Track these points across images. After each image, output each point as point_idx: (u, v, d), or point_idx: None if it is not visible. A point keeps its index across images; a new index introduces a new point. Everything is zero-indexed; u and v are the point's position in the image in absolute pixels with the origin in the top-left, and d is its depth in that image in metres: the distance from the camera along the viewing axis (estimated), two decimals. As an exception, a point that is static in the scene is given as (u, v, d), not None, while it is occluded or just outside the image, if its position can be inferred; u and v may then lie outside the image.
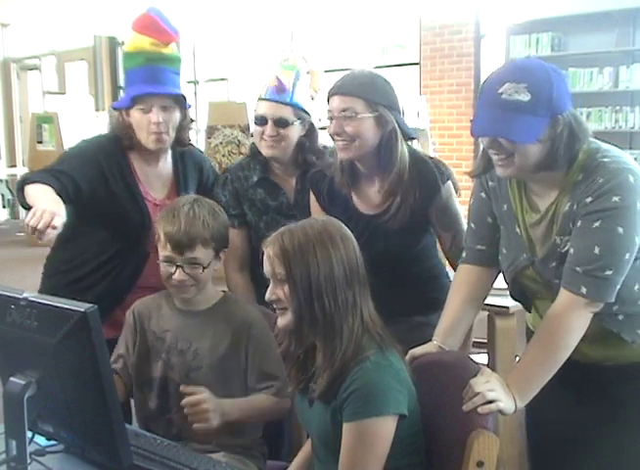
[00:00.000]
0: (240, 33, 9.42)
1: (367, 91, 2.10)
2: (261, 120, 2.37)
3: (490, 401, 1.57)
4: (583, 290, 1.65)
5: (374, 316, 1.64)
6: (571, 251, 1.70)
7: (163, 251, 1.98)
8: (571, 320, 1.68)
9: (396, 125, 2.13)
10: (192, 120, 2.48)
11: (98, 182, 2.30)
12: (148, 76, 2.31)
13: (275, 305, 1.66)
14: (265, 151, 2.39)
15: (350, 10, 8.43)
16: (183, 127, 2.42)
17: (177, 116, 2.36)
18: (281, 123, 2.35)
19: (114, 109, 2.42)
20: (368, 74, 2.18)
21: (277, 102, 2.35)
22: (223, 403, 1.87)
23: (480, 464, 1.56)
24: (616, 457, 1.84)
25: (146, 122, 2.31)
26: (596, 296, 1.66)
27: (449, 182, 2.23)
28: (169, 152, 2.47)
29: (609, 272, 1.64)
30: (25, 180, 2.18)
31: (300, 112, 2.38)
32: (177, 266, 1.96)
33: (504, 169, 1.73)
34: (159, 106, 2.31)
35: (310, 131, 2.44)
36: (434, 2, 7.65)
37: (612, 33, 6.62)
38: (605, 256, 1.65)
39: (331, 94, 2.14)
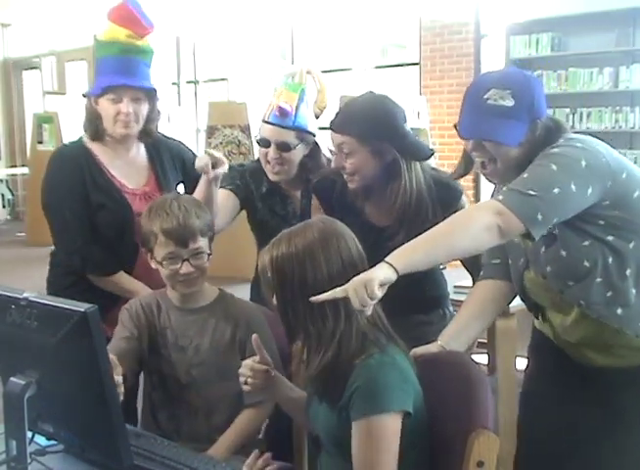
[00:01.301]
0: (240, 33, 9.42)
1: (358, 128, 2.06)
2: (264, 143, 2.40)
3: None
4: (500, 197, 1.65)
5: (377, 317, 1.64)
6: None
7: (165, 249, 1.98)
8: (476, 213, 1.68)
9: (397, 155, 2.09)
10: (159, 112, 2.50)
11: (86, 198, 2.36)
12: (121, 67, 2.34)
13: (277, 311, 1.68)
14: (271, 176, 2.43)
15: (350, 10, 8.42)
16: (151, 119, 2.45)
17: (146, 107, 2.40)
18: (283, 147, 2.37)
19: (84, 96, 2.45)
20: (361, 106, 2.12)
21: (279, 126, 2.36)
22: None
23: (480, 464, 1.55)
24: (619, 461, 1.85)
25: (114, 112, 2.34)
26: (510, 204, 1.61)
27: (463, 198, 2.22)
28: (141, 143, 2.50)
29: (531, 192, 1.62)
30: (91, 269, 2.37)
31: (304, 134, 2.39)
32: (183, 260, 1.97)
33: (489, 173, 1.80)
34: (130, 97, 2.34)
35: (313, 151, 2.45)
36: (434, 2, 7.64)
37: (612, 33, 6.61)
38: (530, 179, 1.66)
39: (330, 128, 2.14)
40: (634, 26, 6.58)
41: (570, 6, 6.64)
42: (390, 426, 1.55)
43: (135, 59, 2.35)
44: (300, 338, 1.65)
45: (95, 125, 2.40)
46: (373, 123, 2.07)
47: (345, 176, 2.14)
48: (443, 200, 2.17)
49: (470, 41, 7.53)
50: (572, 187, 1.63)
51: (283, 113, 2.34)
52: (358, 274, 1.58)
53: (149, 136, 2.49)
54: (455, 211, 2.17)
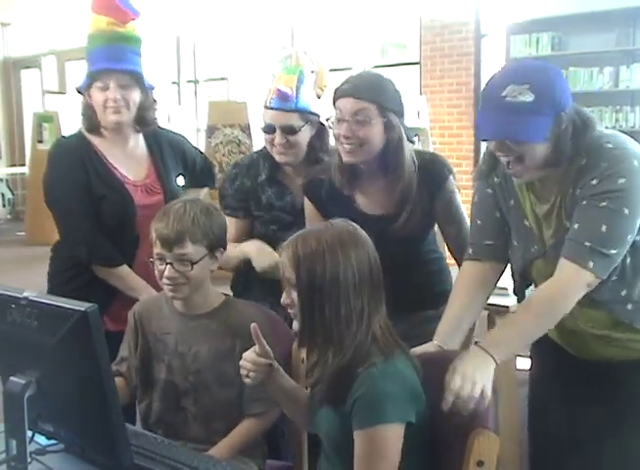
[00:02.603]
0: (240, 33, 9.42)
1: (380, 96, 2.09)
2: (269, 129, 2.37)
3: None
4: (590, 264, 1.66)
5: (384, 323, 1.63)
6: (576, 226, 1.71)
7: (155, 249, 1.97)
8: (572, 291, 1.69)
9: (402, 131, 2.13)
10: (155, 101, 2.50)
11: (89, 188, 2.36)
12: (106, 55, 2.35)
13: (289, 310, 1.66)
14: (278, 158, 2.39)
15: (350, 9, 8.43)
16: (145, 107, 2.44)
17: (137, 94, 2.40)
18: (288, 131, 2.34)
19: (78, 91, 2.45)
20: (379, 78, 2.16)
21: (282, 110, 2.34)
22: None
23: (480, 464, 1.55)
24: (623, 459, 1.85)
25: (103, 100, 2.35)
26: (600, 272, 1.68)
27: (452, 176, 2.23)
28: (140, 134, 2.49)
29: (613, 251, 1.67)
30: (97, 259, 2.36)
31: (308, 115, 2.37)
32: (167, 263, 1.94)
33: (516, 172, 1.75)
34: (116, 83, 2.34)
35: (320, 131, 2.42)
36: (434, 1, 7.65)
37: (612, 33, 6.61)
38: (611, 234, 1.67)
39: (341, 95, 2.11)
40: (634, 26, 6.59)
41: (570, 6, 6.65)
42: (391, 437, 1.54)
43: (119, 46, 2.35)
44: (317, 340, 1.62)
45: (89, 118, 2.41)
46: (391, 95, 2.13)
47: (350, 147, 2.11)
48: (427, 181, 2.18)
49: (470, 41, 7.53)
50: (637, 221, 1.69)
51: (282, 96, 2.32)
52: (380, 275, 1.62)
53: (146, 125, 2.47)
54: (441, 192, 2.20)
